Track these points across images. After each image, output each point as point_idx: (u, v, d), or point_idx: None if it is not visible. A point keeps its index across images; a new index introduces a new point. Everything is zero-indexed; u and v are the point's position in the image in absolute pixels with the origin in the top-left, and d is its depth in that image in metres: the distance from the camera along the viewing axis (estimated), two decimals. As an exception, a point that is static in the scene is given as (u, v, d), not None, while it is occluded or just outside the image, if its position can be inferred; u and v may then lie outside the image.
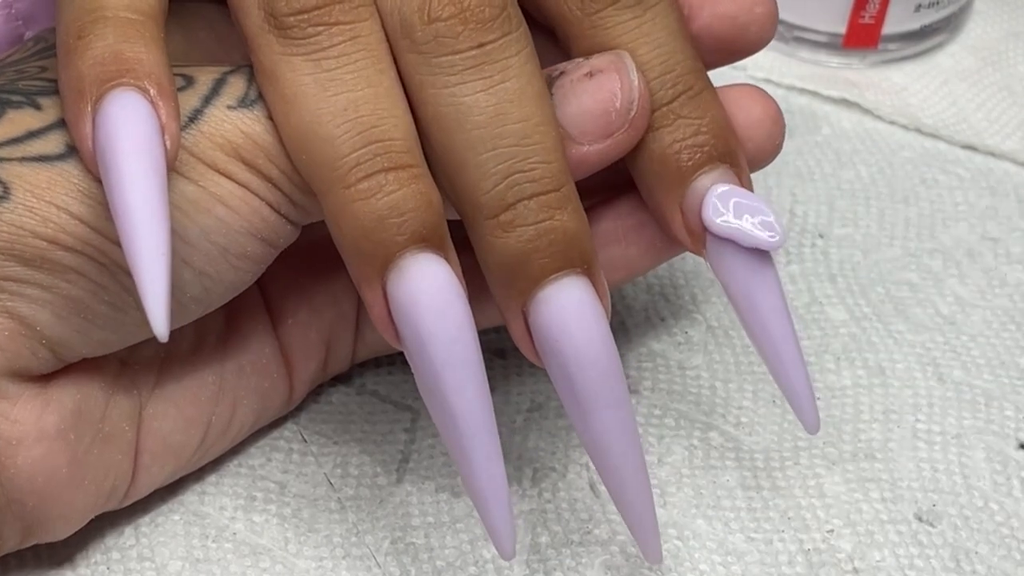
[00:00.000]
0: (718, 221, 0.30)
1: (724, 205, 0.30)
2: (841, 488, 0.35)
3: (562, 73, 0.30)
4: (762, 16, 0.32)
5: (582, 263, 0.29)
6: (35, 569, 0.32)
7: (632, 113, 0.30)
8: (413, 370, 0.29)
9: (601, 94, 0.30)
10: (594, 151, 0.30)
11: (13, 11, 0.37)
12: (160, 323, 0.26)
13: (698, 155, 0.30)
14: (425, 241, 0.28)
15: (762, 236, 0.30)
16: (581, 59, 0.30)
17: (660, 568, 0.33)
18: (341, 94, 0.28)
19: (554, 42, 0.31)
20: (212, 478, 0.34)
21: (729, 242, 0.30)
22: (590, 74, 0.30)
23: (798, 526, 0.34)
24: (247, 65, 0.30)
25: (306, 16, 0.28)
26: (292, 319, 0.35)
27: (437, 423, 0.29)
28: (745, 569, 0.33)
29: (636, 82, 0.30)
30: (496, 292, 0.29)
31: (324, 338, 0.35)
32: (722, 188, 0.30)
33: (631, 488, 0.30)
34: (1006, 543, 0.33)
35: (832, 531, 0.34)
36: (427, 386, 0.29)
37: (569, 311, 0.29)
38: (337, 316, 0.35)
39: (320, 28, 0.28)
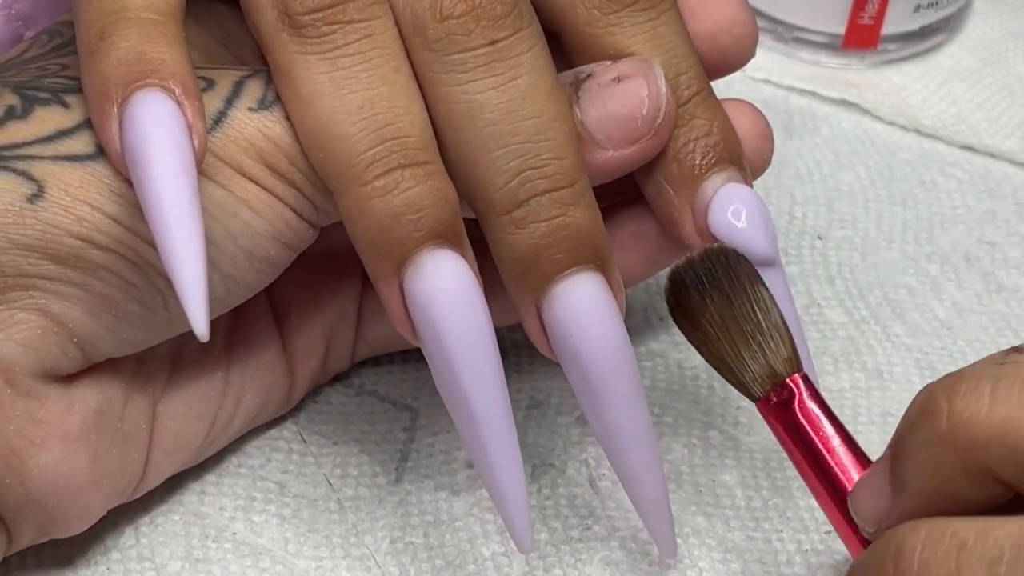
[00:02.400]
0: (722, 219, 0.30)
1: (730, 205, 0.30)
2: (839, 490, 0.35)
3: (589, 76, 0.30)
4: (741, 36, 0.32)
5: (596, 259, 0.29)
6: (36, 569, 0.32)
7: (658, 120, 0.30)
8: (430, 366, 0.29)
9: (629, 100, 0.30)
10: (618, 156, 0.30)
11: (13, 11, 0.37)
12: (201, 323, 0.26)
13: (711, 155, 0.31)
14: (441, 237, 0.28)
15: (757, 242, 0.30)
16: (608, 62, 0.30)
17: (660, 565, 0.33)
18: (356, 92, 0.28)
19: (556, 48, 0.31)
20: (212, 478, 0.34)
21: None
22: (618, 79, 0.30)
23: (797, 527, 0.34)
24: (263, 69, 0.30)
25: (321, 15, 0.28)
26: (295, 316, 0.35)
27: (454, 419, 0.29)
28: (744, 567, 0.33)
29: (664, 90, 0.30)
30: (510, 288, 0.30)
31: (326, 335, 0.35)
32: (730, 188, 0.30)
33: (645, 483, 0.30)
34: None
35: (830, 532, 0.34)
36: (444, 382, 0.29)
37: (582, 306, 0.29)
38: (339, 314, 0.35)
39: (335, 27, 0.28)
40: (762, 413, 0.30)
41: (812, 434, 0.29)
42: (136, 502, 0.33)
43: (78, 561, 0.33)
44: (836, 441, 0.29)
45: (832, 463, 0.29)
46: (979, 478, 0.25)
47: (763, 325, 0.29)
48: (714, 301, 0.29)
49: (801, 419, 0.29)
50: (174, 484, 0.34)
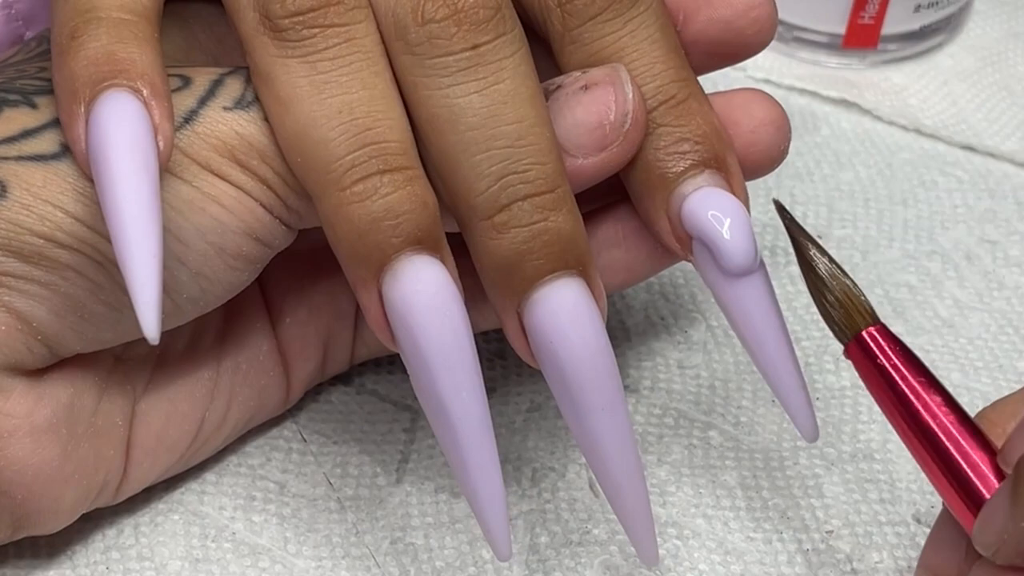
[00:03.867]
0: (696, 225, 0.30)
1: (702, 211, 0.30)
2: (840, 489, 0.35)
3: (559, 87, 0.30)
4: (758, 20, 0.32)
5: (577, 264, 0.29)
6: (34, 567, 0.32)
7: (626, 126, 0.30)
8: (409, 372, 0.29)
9: (595, 107, 0.30)
10: (589, 164, 0.30)
11: (13, 11, 0.37)
12: (151, 327, 0.26)
13: (681, 162, 0.30)
14: (420, 243, 0.28)
15: (729, 249, 0.30)
16: (577, 72, 0.30)
17: (659, 568, 0.33)
18: (336, 96, 0.28)
19: (547, 51, 0.31)
20: (211, 478, 0.34)
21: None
22: (585, 87, 0.30)
23: (797, 526, 0.34)
24: (245, 67, 0.30)
25: (301, 18, 0.28)
26: (291, 318, 0.35)
27: (433, 425, 0.29)
28: (745, 569, 0.33)
29: (631, 95, 0.30)
30: (491, 293, 0.30)
31: (322, 338, 0.35)
32: (702, 193, 0.30)
33: (626, 490, 0.30)
34: None
35: (831, 532, 0.34)
36: (423, 388, 0.29)
37: (563, 312, 0.29)
38: (336, 316, 0.35)
39: (315, 30, 0.28)
40: (858, 352, 0.30)
41: (899, 380, 0.29)
42: (136, 501, 0.33)
43: (78, 559, 0.33)
44: (925, 383, 0.29)
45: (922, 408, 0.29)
46: None
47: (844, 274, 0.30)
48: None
49: (886, 366, 0.29)
50: (174, 483, 0.34)
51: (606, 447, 0.29)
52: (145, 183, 0.26)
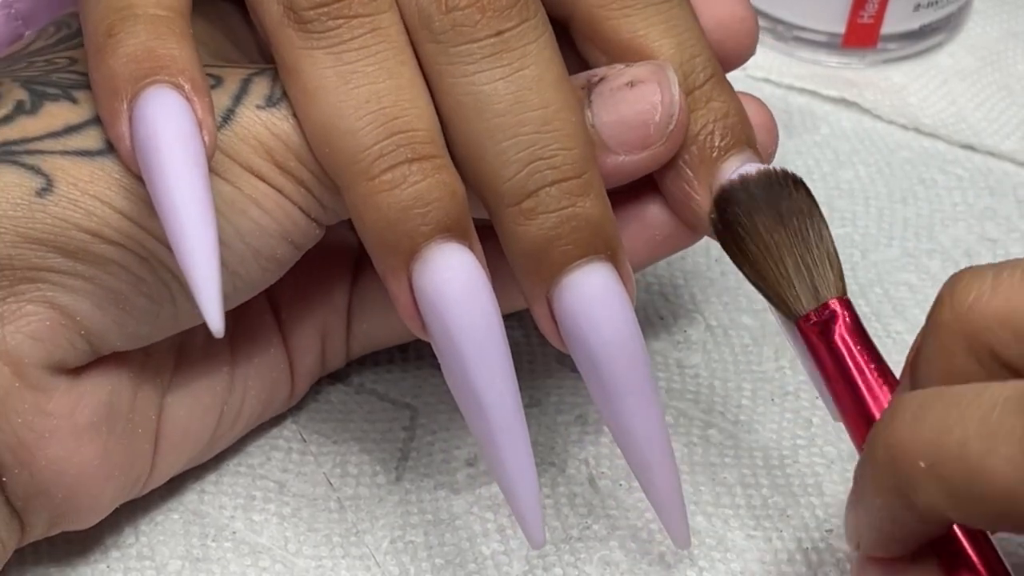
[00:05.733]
0: None
1: None
2: (840, 487, 0.35)
3: (602, 79, 0.30)
4: (741, 32, 0.32)
5: (606, 249, 0.29)
6: (35, 567, 0.32)
7: (671, 127, 0.30)
8: (439, 360, 0.29)
9: (641, 105, 0.30)
10: (629, 162, 0.30)
11: (13, 11, 0.37)
12: (216, 319, 0.26)
13: (729, 137, 0.31)
14: (449, 231, 0.28)
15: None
16: (622, 66, 0.30)
17: (660, 564, 0.33)
18: (363, 86, 0.28)
19: (566, 41, 0.31)
20: (212, 477, 0.34)
21: None
22: (631, 84, 0.30)
23: (797, 525, 0.34)
24: (270, 67, 0.30)
25: (326, 9, 0.28)
26: (287, 312, 0.35)
27: (464, 413, 0.29)
28: (744, 567, 0.33)
29: (677, 96, 0.30)
30: (520, 279, 0.30)
31: (319, 331, 0.35)
32: (750, 168, 0.30)
33: (658, 473, 0.30)
34: (1003, 544, 0.33)
35: (831, 531, 0.34)
36: (454, 376, 0.29)
37: (593, 297, 0.29)
38: (330, 310, 0.35)
39: (340, 21, 0.28)
40: (801, 333, 0.29)
41: (848, 358, 0.29)
42: (136, 500, 0.33)
43: (77, 560, 0.33)
44: (872, 367, 0.29)
45: (865, 390, 0.28)
46: (986, 362, 0.25)
47: (813, 248, 0.29)
48: (764, 220, 0.29)
49: (838, 342, 0.29)
50: (174, 483, 0.34)
51: (636, 430, 0.29)
52: (197, 179, 0.26)
